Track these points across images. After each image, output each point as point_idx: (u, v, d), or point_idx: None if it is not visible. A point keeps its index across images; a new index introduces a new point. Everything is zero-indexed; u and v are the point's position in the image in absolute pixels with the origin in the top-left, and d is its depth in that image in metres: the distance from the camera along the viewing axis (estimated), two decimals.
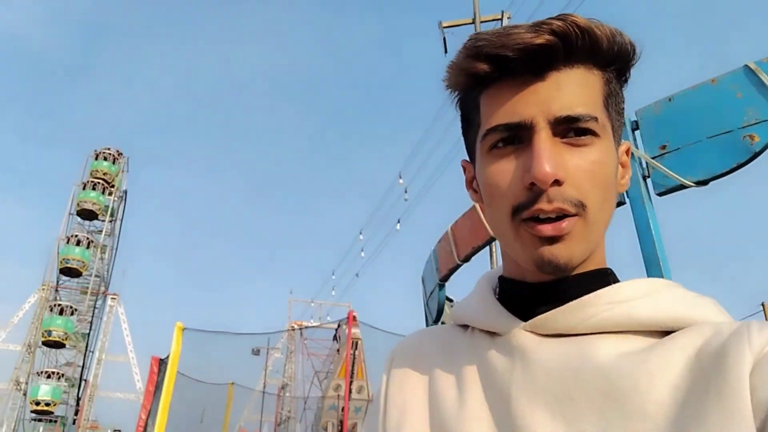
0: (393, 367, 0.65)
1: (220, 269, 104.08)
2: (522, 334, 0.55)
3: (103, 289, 40.61)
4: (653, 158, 1.97)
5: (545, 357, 0.52)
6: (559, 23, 0.52)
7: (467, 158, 0.65)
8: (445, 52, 11.39)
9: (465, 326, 0.64)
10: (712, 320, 0.51)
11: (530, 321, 0.55)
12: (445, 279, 3.54)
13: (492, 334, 0.59)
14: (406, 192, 15.00)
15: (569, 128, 0.53)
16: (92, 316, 38.61)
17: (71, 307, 38.96)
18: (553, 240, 0.52)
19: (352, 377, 15.16)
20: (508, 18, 11.51)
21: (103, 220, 41.64)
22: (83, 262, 39.61)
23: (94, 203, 40.99)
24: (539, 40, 0.51)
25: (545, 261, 0.53)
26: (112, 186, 42.38)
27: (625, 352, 0.50)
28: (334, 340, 19.20)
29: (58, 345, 38.10)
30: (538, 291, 0.57)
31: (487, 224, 0.70)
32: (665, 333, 0.51)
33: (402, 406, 0.60)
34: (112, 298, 41.89)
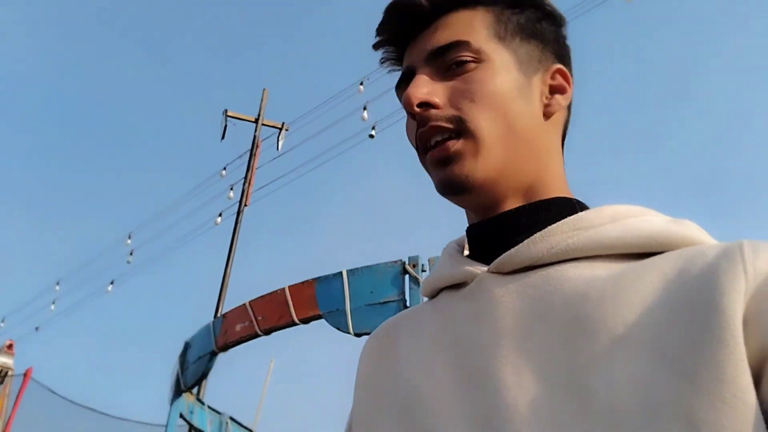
0: (363, 356, 0.64)
1: None
2: (486, 277, 0.53)
3: None
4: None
5: (510, 296, 0.50)
6: None
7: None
8: (222, 138, 12.50)
9: (435, 296, 0.62)
10: (695, 240, 0.48)
11: (495, 261, 0.53)
12: (223, 349, 3.66)
13: (458, 288, 0.57)
14: (131, 254, 12.85)
15: (446, 61, 0.56)
16: None
17: None
18: (445, 162, 0.54)
19: None
20: (286, 130, 12.62)
21: None
22: None
23: None
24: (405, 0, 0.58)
25: (443, 183, 0.55)
26: None
27: (594, 277, 0.48)
28: None
29: None
30: (494, 226, 0.57)
31: None
32: (641, 257, 0.48)
33: (369, 389, 0.59)
34: None
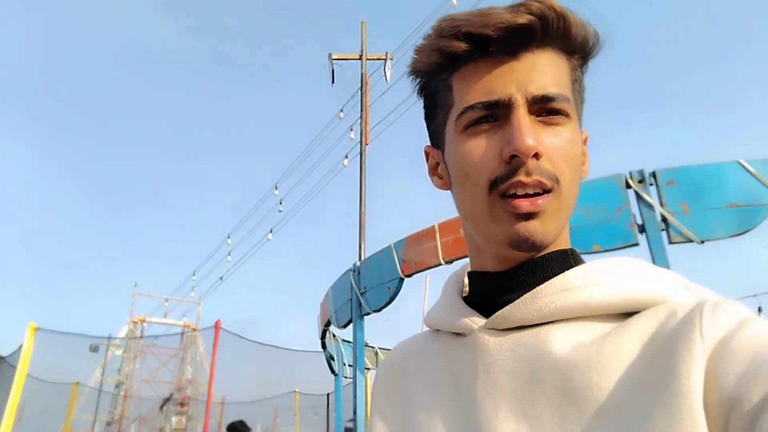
0: (377, 384, 0.69)
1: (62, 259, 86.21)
2: (483, 333, 0.56)
3: None
4: (672, 214, 2.48)
5: (505, 356, 0.53)
6: (538, 5, 0.53)
7: (425, 149, 0.67)
8: (332, 82, 12.90)
9: (438, 330, 0.65)
10: (670, 298, 0.51)
11: (490, 318, 0.56)
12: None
13: (459, 335, 0.60)
14: (281, 204, 14.26)
15: (543, 108, 0.55)
16: None
17: None
18: (529, 216, 0.54)
19: None
20: (390, 59, 12.62)
21: None
22: None
23: None
24: (522, 20, 0.53)
25: (521, 238, 0.54)
26: None
27: (580, 343, 0.50)
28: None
29: None
30: (500, 280, 0.59)
31: (457, 209, 0.60)
32: (625, 315, 0.51)
33: (385, 422, 0.63)
34: None
